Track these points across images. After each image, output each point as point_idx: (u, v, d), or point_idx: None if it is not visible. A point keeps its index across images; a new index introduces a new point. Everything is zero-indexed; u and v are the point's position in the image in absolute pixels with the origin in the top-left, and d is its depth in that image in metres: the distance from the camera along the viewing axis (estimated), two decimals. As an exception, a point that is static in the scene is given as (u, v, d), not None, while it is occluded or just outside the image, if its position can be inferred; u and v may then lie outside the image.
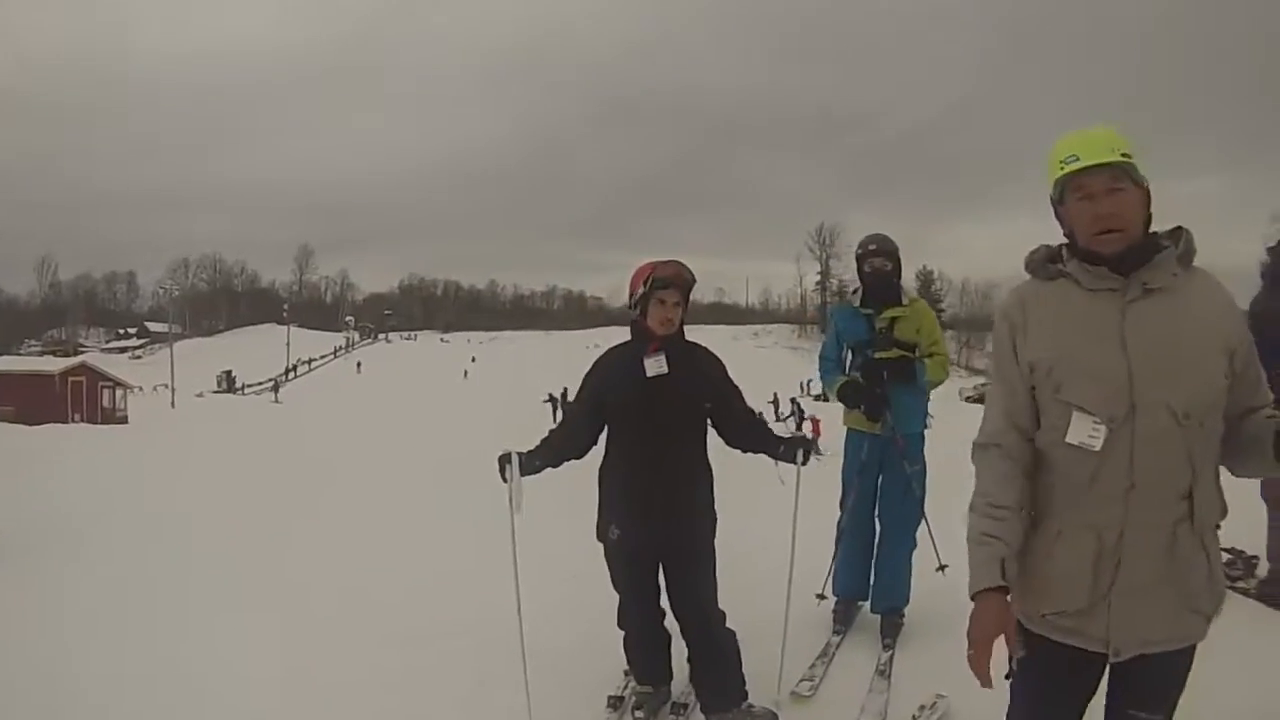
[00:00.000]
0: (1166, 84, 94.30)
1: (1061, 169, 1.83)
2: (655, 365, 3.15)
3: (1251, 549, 4.61)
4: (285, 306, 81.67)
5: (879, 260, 4.12)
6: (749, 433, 3.38)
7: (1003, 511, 1.86)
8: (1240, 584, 4.50)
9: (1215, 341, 1.81)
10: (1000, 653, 1.78)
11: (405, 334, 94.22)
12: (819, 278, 78.63)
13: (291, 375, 64.42)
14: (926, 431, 4.35)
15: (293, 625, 4.57)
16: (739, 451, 3.42)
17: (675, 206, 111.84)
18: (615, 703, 3.50)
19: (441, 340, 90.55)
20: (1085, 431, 1.81)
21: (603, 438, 3.32)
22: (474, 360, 70.88)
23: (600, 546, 3.37)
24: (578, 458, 3.32)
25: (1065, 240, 1.92)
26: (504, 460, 3.16)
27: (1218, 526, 1.88)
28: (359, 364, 72.13)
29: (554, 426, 3.44)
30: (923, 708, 3.36)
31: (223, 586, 5.25)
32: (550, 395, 32.05)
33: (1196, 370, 1.79)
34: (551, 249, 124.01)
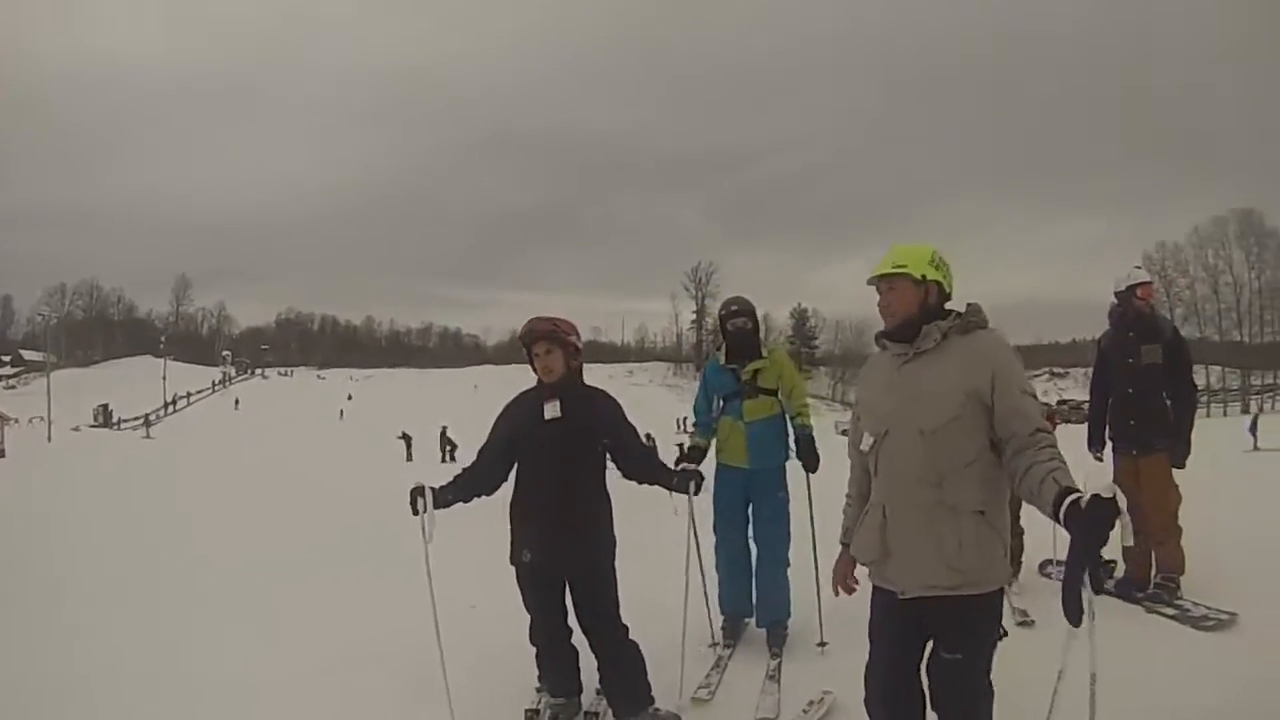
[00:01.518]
0: (1037, 133, 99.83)
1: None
2: (551, 409, 3.59)
3: (1108, 555, 5.08)
4: (162, 338, 78.09)
5: (740, 320, 4.63)
6: (643, 466, 3.79)
7: (849, 496, 2.98)
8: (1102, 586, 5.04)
9: (957, 384, 2.61)
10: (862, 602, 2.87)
11: (282, 370, 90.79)
12: (694, 316, 79.20)
13: (170, 410, 61.50)
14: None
15: (192, 663, 4.51)
16: (635, 483, 3.82)
17: (551, 244, 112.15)
18: (532, 715, 3.77)
19: (319, 377, 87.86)
20: (867, 443, 2.80)
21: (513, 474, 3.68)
22: (350, 398, 68.86)
23: (512, 571, 3.68)
24: (488, 494, 3.68)
25: None
26: (416, 493, 3.46)
27: (981, 512, 2.62)
28: (237, 400, 69.49)
29: (467, 465, 3.74)
30: (812, 703, 3.76)
31: (120, 643, 4.92)
32: (404, 433, 32.33)
33: (935, 404, 2.63)
34: (427, 285, 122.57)
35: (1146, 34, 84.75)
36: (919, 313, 2.72)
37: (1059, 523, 2.33)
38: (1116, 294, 5.22)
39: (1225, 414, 53.55)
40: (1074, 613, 2.32)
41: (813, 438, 4.63)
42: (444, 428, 32.19)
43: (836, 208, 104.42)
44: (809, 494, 4.57)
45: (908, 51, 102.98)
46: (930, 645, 2.74)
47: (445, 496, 3.53)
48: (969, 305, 2.77)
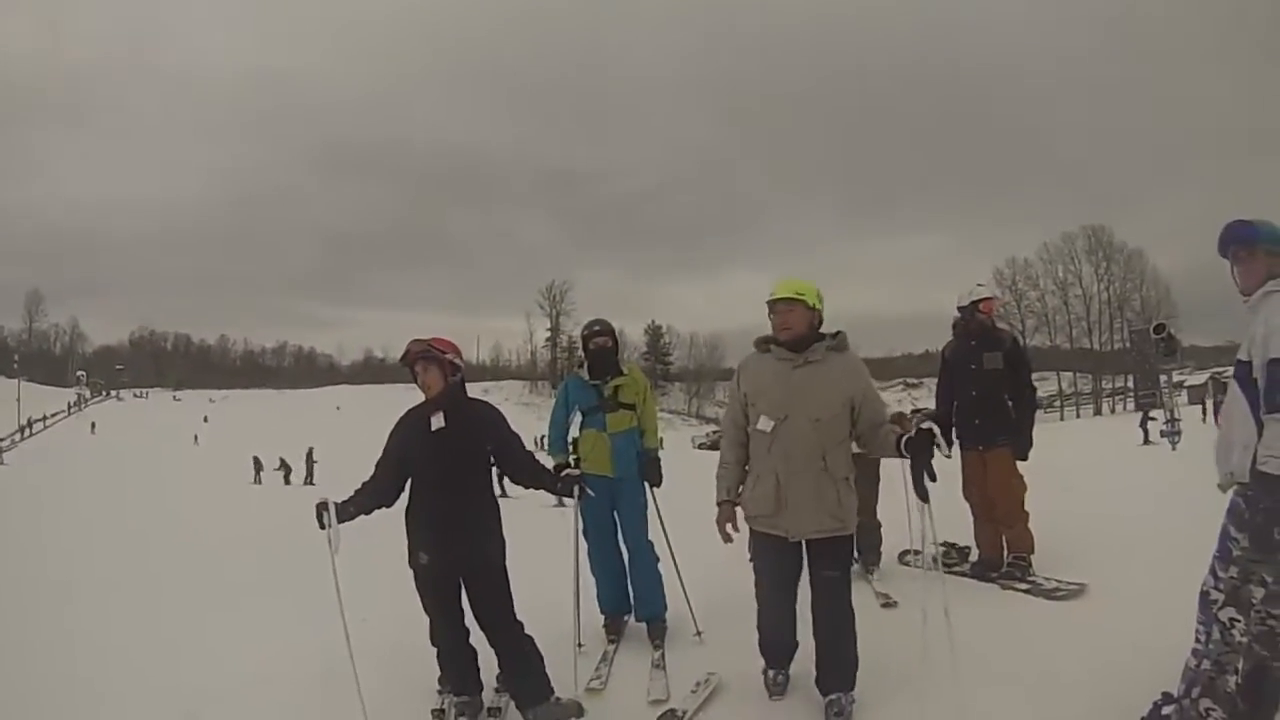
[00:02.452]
0: (890, 155, 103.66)
1: (770, 297, 3.78)
2: (437, 421, 3.85)
3: (963, 542, 5.92)
4: (16, 357, 73.08)
5: (602, 339, 4.94)
6: (527, 471, 4.07)
7: (728, 463, 3.88)
8: (958, 569, 5.72)
9: (840, 390, 3.72)
10: (742, 545, 3.85)
11: (137, 392, 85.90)
12: (549, 334, 78.66)
13: (25, 434, 57.52)
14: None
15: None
16: (521, 487, 4.14)
17: (405, 261, 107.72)
18: (439, 715, 3.94)
19: (174, 399, 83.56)
20: (767, 425, 3.73)
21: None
22: (206, 420, 65.79)
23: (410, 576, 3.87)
24: (388, 505, 3.91)
25: (771, 332, 3.82)
26: (321, 508, 3.67)
27: (847, 479, 3.73)
28: (93, 424, 65.47)
29: (366, 480, 3.93)
30: (699, 684, 4.06)
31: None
32: (255, 457, 31.73)
33: (824, 401, 3.69)
34: (281, 303, 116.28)
35: (993, 57, 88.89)
36: (808, 332, 3.74)
37: (900, 454, 3.59)
38: (960, 308, 5.78)
39: (1078, 415, 56.71)
40: (922, 494, 3.58)
41: (658, 457, 4.98)
42: (310, 449, 32.12)
43: (688, 225, 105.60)
44: (656, 505, 4.97)
45: (755, 76, 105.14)
46: (807, 570, 3.75)
47: (348, 510, 3.75)
48: (839, 332, 3.82)
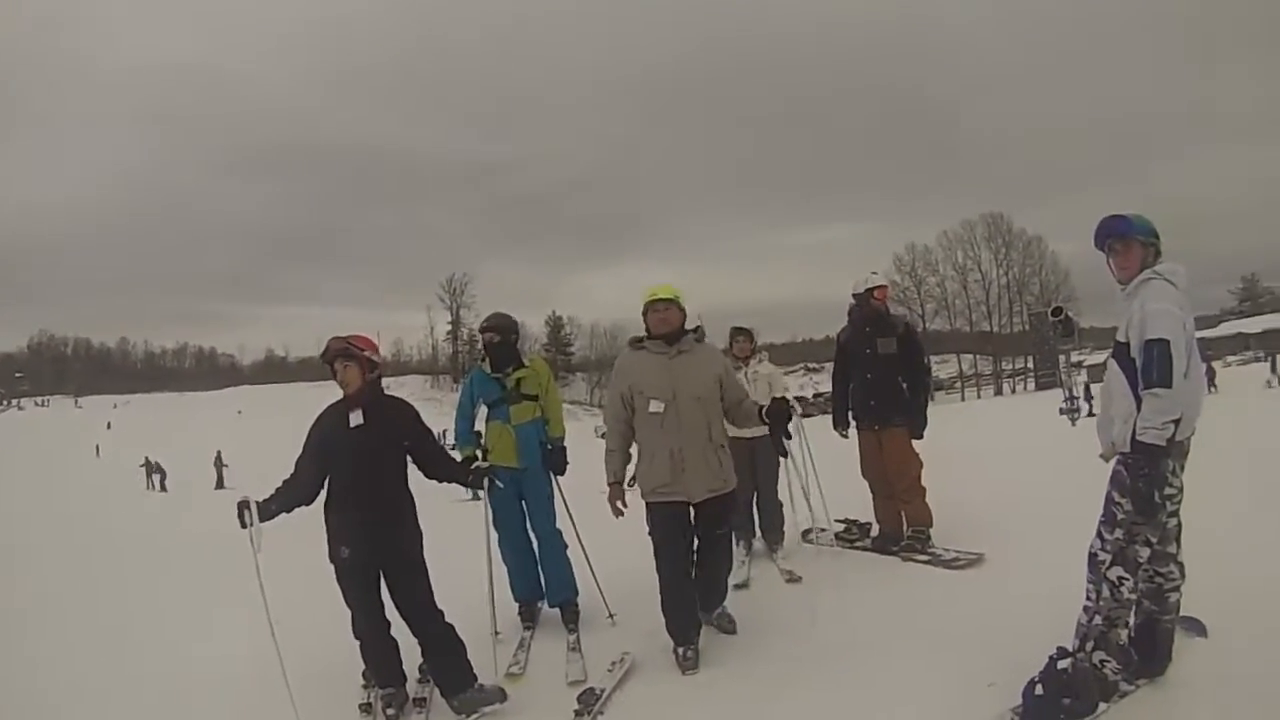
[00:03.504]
0: (791, 147, 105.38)
1: (649, 297, 4.40)
2: (355, 417, 3.95)
3: (864, 519, 6.16)
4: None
5: (502, 334, 5.08)
6: (441, 465, 4.25)
7: (614, 450, 4.41)
8: (860, 543, 6.04)
9: (710, 372, 4.39)
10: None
11: (38, 400, 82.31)
12: (450, 327, 76.73)
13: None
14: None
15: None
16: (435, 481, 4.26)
17: (311, 258, 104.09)
18: (366, 709, 4.02)
19: (76, 406, 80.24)
20: (658, 406, 4.27)
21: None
22: (110, 427, 63.32)
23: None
24: (307, 503, 3.97)
25: (647, 330, 4.43)
26: (243, 506, 3.71)
27: (723, 446, 4.35)
28: (-10, 439, 62.28)
29: (286, 477, 3.99)
30: (614, 663, 4.22)
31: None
32: (146, 459, 31.37)
33: (702, 382, 4.34)
34: (181, 302, 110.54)
35: (902, 50, 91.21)
36: (679, 328, 4.40)
37: (763, 421, 4.48)
38: (855, 296, 5.99)
39: (979, 396, 58.42)
40: (781, 450, 5.02)
41: (564, 447, 5.14)
42: (219, 453, 31.87)
43: (589, 219, 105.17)
44: (562, 494, 5.15)
45: (661, 72, 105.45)
46: (700, 532, 4.36)
47: (269, 508, 3.81)
48: (698, 326, 4.54)
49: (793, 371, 51.72)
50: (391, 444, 4.02)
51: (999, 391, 59.37)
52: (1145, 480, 3.23)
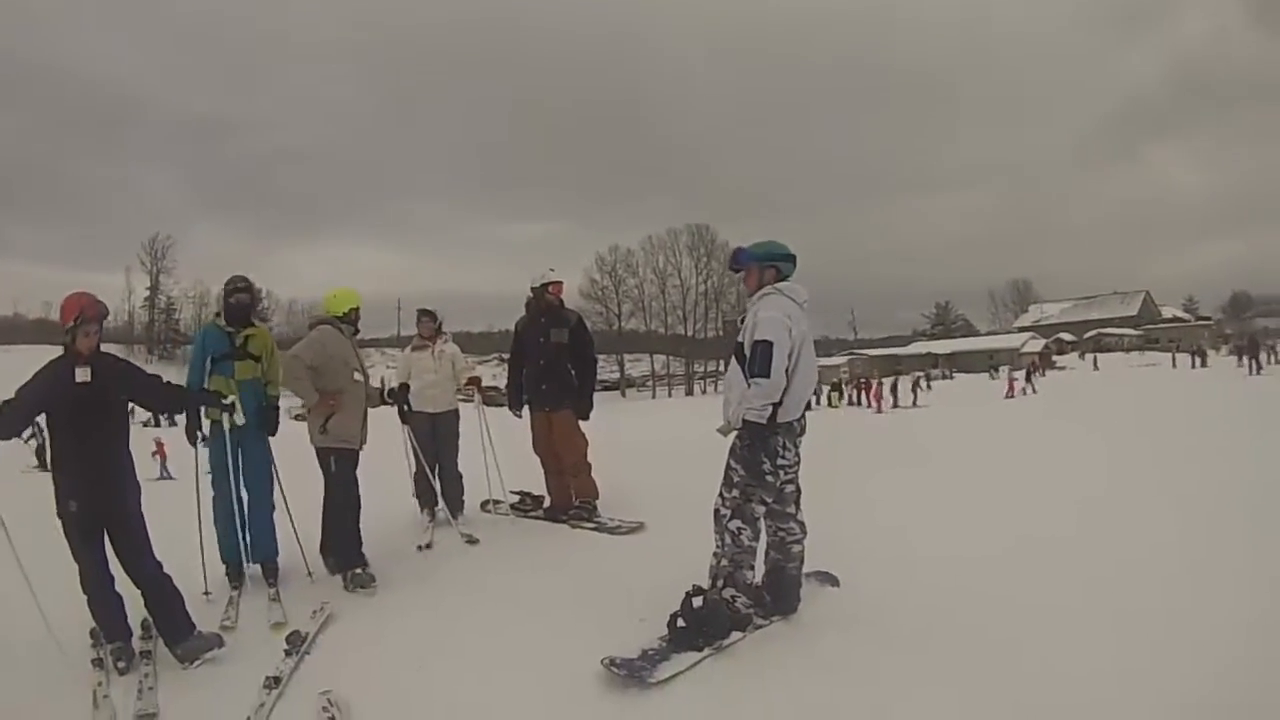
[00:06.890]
0: (514, 145, 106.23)
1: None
2: (82, 374, 4.10)
3: (537, 491, 6.92)
4: None
5: (243, 295, 5.48)
6: (170, 399, 4.80)
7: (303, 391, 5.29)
8: (533, 513, 6.82)
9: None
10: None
11: None
12: (148, 292, 69.88)
13: None
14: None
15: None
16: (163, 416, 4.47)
17: (7, 211, 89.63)
18: (98, 664, 4.08)
19: None
20: (349, 378, 5.35)
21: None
22: None
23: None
24: (3, 439, 4.11)
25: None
26: None
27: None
28: None
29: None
30: (315, 611, 4.76)
31: None
32: None
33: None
34: None
35: (637, 62, 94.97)
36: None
37: (384, 401, 5.78)
38: (533, 288, 6.53)
39: (670, 395, 61.95)
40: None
41: (277, 406, 5.55)
42: None
43: (303, 192, 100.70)
44: (272, 456, 5.49)
45: (412, 52, 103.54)
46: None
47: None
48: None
49: (486, 361, 51.74)
50: (116, 400, 4.27)
51: (689, 391, 63.03)
52: (749, 449, 4.04)
